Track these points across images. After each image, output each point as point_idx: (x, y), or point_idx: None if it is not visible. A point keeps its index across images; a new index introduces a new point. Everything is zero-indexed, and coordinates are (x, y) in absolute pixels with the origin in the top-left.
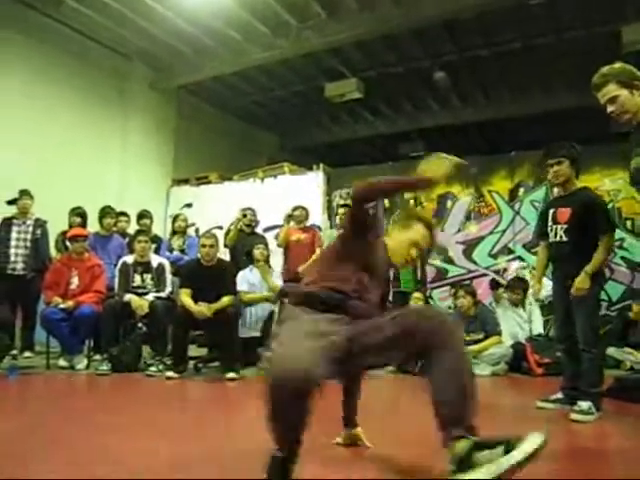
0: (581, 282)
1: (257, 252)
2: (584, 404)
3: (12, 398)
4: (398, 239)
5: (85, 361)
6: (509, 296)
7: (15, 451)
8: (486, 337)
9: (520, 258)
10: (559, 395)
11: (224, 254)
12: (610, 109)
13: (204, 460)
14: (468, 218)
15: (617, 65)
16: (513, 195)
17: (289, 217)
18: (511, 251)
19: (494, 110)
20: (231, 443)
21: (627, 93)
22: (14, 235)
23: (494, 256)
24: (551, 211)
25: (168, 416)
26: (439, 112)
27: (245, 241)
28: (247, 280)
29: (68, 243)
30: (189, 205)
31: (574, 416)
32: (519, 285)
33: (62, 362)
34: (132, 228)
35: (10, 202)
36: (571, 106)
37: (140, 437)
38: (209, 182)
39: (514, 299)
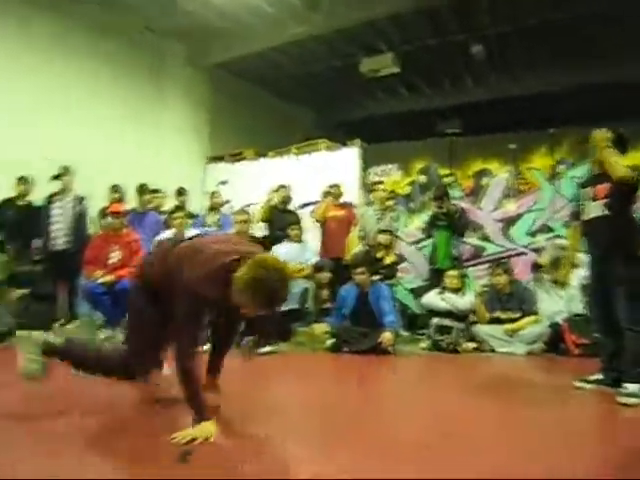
0: None
1: (292, 233)
2: (632, 386)
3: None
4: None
5: None
6: (551, 275)
7: None
8: (523, 316)
9: (559, 236)
10: (599, 376)
11: (261, 230)
12: None
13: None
14: (506, 195)
15: None
16: (553, 172)
17: (327, 193)
18: (551, 229)
19: (534, 84)
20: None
21: None
22: (56, 211)
23: (532, 234)
24: (588, 189)
25: None
26: (476, 88)
27: (279, 217)
28: (281, 255)
29: (108, 219)
30: (224, 182)
31: (621, 399)
32: (561, 263)
33: (103, 334)
34: (168, 205)
35: (55, 177)
36: (618, 79)
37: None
38: (244, 159)
39: (556, 278)
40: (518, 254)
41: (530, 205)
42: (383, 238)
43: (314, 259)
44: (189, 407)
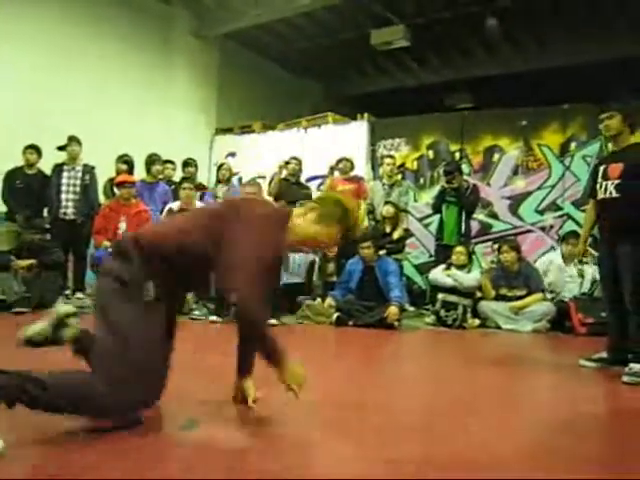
0: None
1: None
2: (636, 366)
3: None
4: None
5: None
6: (565, 250)
7: None
8: (529, 293)
9: (568, 216)
10: (603, 354)
11: None
12: None
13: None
14: (515, 172)
15: None
16: (564, 149)
17: (332, 168)
18: (559, 208)
19: (547, 59)
20: None
21: None
22: (64, 181)
23: (541, 212)
24: (602, 167)
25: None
26: (488, 62)
27: (289, 190)
28: None
29: (116, 189)
30: (232, 154)
31: (626, 378)
32: (575, 237)
33: None
34: (177, 176)
35: (60, 148)
36: (633, 54)
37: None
38: (252, 131)
39: (570, 252)
40: (525, 232)
41: (540, 182)
42: (386, 210)
43: None
44: (263, 353)
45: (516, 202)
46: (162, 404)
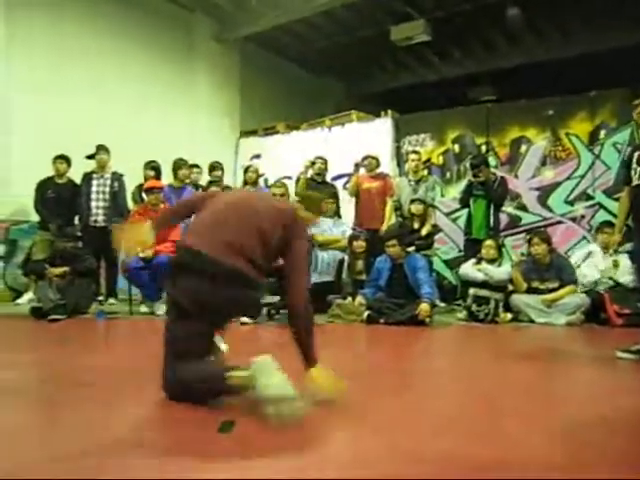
0: None
1: (326, 207)
2: None
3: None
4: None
5: (164, 307)
6: (600, 238)
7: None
8: (561, 286)
9: (600, 205)
10: None
11: None
12: None
13: None
14: (543, 163)
15: None
16: (593, 138)
17: (357, 165)
18: (590, 197)
19: (572, 47)
20: None
21: None
22: (94, 189)
23: (571, 203)
24: (637, 153)
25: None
26: (511, 52)
27: (316, 190)
28: (318, 226)
29: (144, 195)
30: (257, 156)
31: None
32: (610, 227)
33: (143, 308)
34: (204, 180)
35: (89, 157)
36: None
37: None
38: (276, 132)
39: (604, 241)
40: (555, 223)
41: (569, 173)
42: (415, 208)
43: (349, 232)
44: (305, 352)
45: (545, 193)
46: (194, 408)
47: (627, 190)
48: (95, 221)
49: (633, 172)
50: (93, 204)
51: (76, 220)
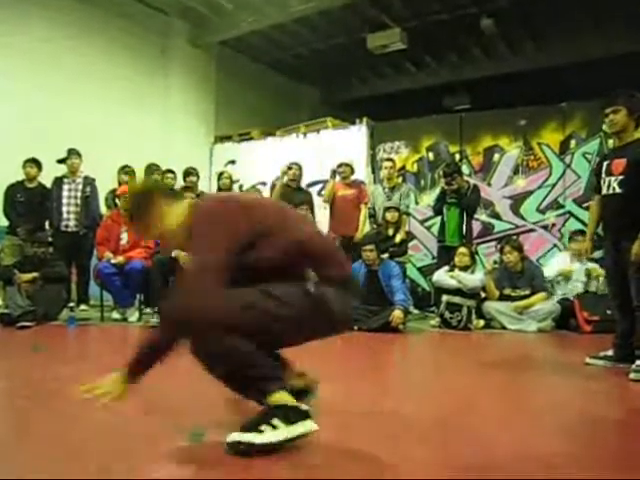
0: (638, 247)
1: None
2: None
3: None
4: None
5: (137, 314)
6: (573, 247)
7: None
8: (533, 293)
9: (570, 213)
10: (609, 352)
11: None
12: None
13: None
14: (516, 172)
15: None
16: (564, 147)
17: (334, 172)
18: (561, 206)
19: (545, 58)
20: None
21: None
22: (65, 193)
23: (542, 211)
24: (605, 163)
25: None
26: (485, 62)
27: (291, 196)
28: None
29: (117, 200)
30: (232, 162)
31: (633, 375)
32: (582, 235)
33: (115, 315)
34: (178, 185)
35: (60, 161)
36: (629, 51)
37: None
38: (251, 138)
39: (577, 249)
40: (527, 231)
41: (540, 181)
42: (390, 215)
43: None
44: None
45: (517, 201)
46: (164, 415)
47: (597, 199)
48: (66, 226)
49: (602, 182)
50: (64, 209)
51: (47, 225)
